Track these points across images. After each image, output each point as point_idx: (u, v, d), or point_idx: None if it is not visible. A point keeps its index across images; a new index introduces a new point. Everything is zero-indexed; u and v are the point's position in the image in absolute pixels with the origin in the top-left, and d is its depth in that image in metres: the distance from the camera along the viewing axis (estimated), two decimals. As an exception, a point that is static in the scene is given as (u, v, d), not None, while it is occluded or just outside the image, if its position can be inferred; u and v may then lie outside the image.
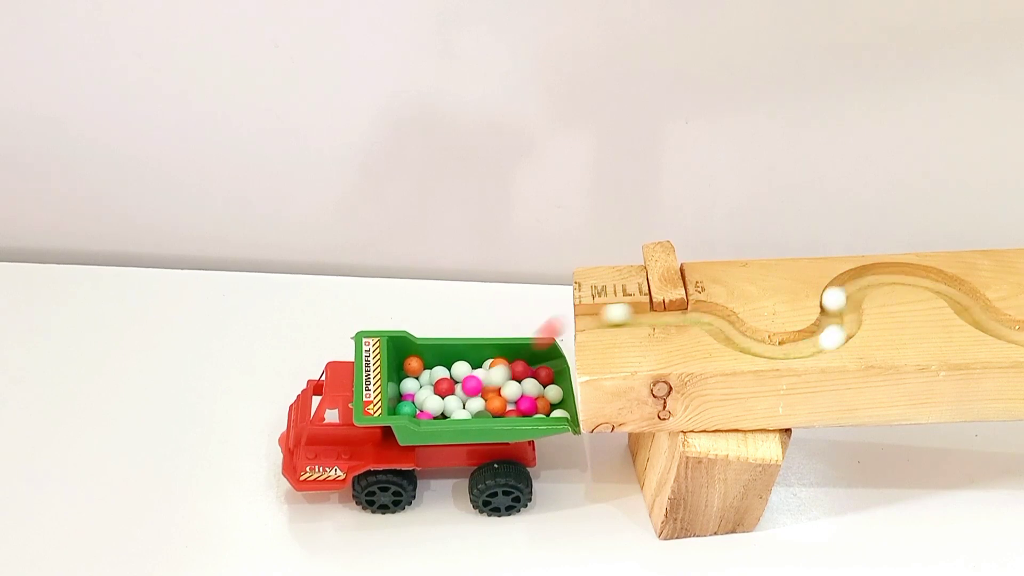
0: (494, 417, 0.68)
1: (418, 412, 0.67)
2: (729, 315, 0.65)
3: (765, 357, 0.63)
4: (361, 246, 0.90)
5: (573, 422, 0.67)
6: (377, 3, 0.77)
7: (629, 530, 0.70)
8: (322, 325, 0.81)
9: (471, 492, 0.68)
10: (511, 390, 0.69)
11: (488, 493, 0.68)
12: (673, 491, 0.65)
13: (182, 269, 0.87)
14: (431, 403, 0.68)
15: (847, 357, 0.63)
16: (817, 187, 0.87)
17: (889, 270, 0.69)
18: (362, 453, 0.67)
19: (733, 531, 0.69)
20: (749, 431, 0.64)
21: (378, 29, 0.78)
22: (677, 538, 0.69)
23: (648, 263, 0.68)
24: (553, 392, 0.70)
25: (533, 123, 0.84)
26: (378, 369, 0.67)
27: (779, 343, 0.64)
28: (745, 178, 0.87)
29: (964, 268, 0.68)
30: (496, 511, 0.69)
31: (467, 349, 0.71)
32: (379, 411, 0.64)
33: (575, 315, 0.66)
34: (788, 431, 0.65)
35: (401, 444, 0.66)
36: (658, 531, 0.69)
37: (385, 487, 0.67)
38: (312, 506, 0.69)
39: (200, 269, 0.88)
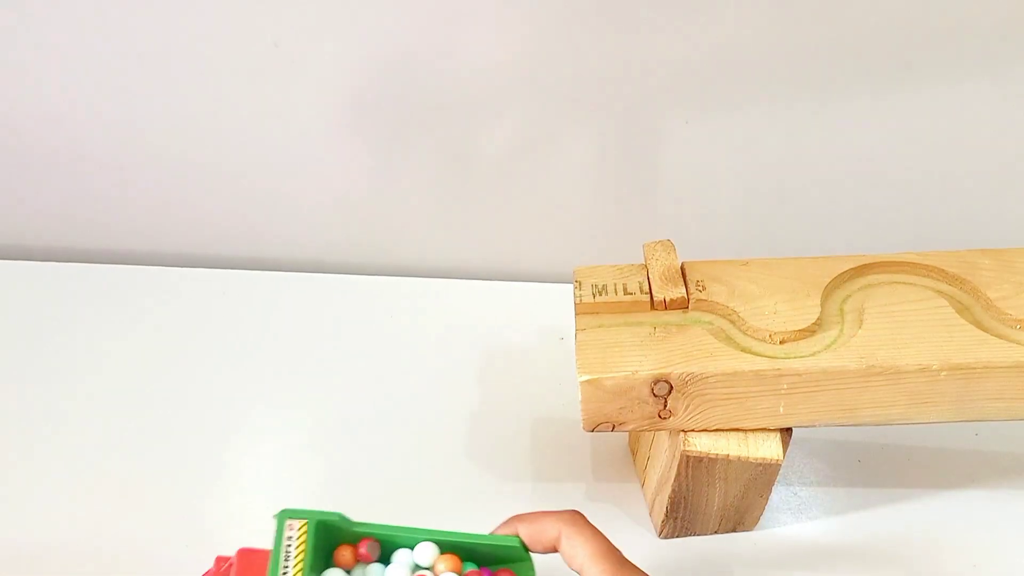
0: None
1: None
2: (730, 314, 0.65)
3: (766, 356, 0.63)
4: (361, 245, 0.90)
5: None
6: (378, 3, 0.77)
7: (629, 530, 0.69)
8: (322, 324, 0.81)
9: None
10: None
11: None
12: (673, 490, 0.65)
13: (182, 267, 0.87)
14: None
15: (848, 357, 0.63)
16: (817, 187, 0.87)
17: (890, 269, 0.69)
18: None
19: (733, 530, 0.69)
20: (750, 430, 0.64)
21: (378, 29, 0.78)
22: (677, 537, 0.69)
23: (649, 262, 0.68)
24: None
25: (533, 123, 0.84)
26: (300, 561, 0.52)
27: (780, 342, 0.64)
28: (745, 178, 0.87)
29: (965, 267, 0.68)
30: None
31: (413, 543, 0.54)
32: None
33: (576, 314, 0.66)
34: (789, 430, 0.65)
35: None
36: (658, 530, 0.69)
37: None
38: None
39: (200, 267, 0.88)
